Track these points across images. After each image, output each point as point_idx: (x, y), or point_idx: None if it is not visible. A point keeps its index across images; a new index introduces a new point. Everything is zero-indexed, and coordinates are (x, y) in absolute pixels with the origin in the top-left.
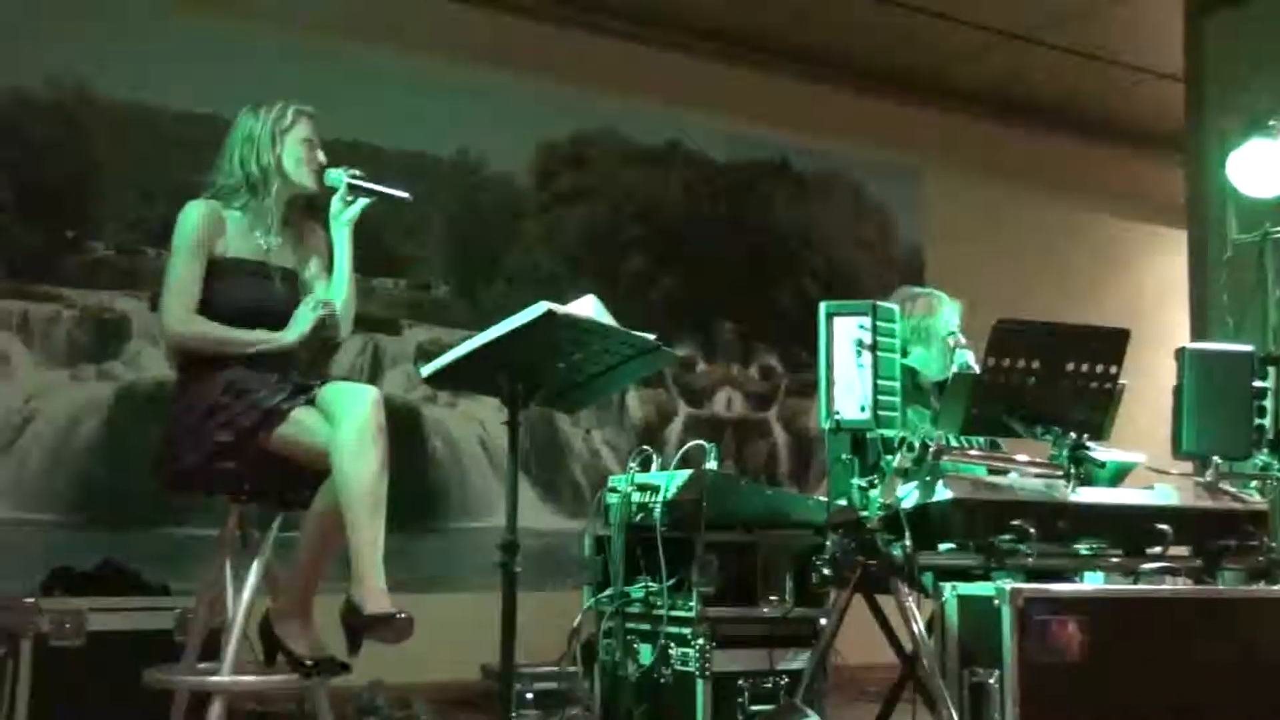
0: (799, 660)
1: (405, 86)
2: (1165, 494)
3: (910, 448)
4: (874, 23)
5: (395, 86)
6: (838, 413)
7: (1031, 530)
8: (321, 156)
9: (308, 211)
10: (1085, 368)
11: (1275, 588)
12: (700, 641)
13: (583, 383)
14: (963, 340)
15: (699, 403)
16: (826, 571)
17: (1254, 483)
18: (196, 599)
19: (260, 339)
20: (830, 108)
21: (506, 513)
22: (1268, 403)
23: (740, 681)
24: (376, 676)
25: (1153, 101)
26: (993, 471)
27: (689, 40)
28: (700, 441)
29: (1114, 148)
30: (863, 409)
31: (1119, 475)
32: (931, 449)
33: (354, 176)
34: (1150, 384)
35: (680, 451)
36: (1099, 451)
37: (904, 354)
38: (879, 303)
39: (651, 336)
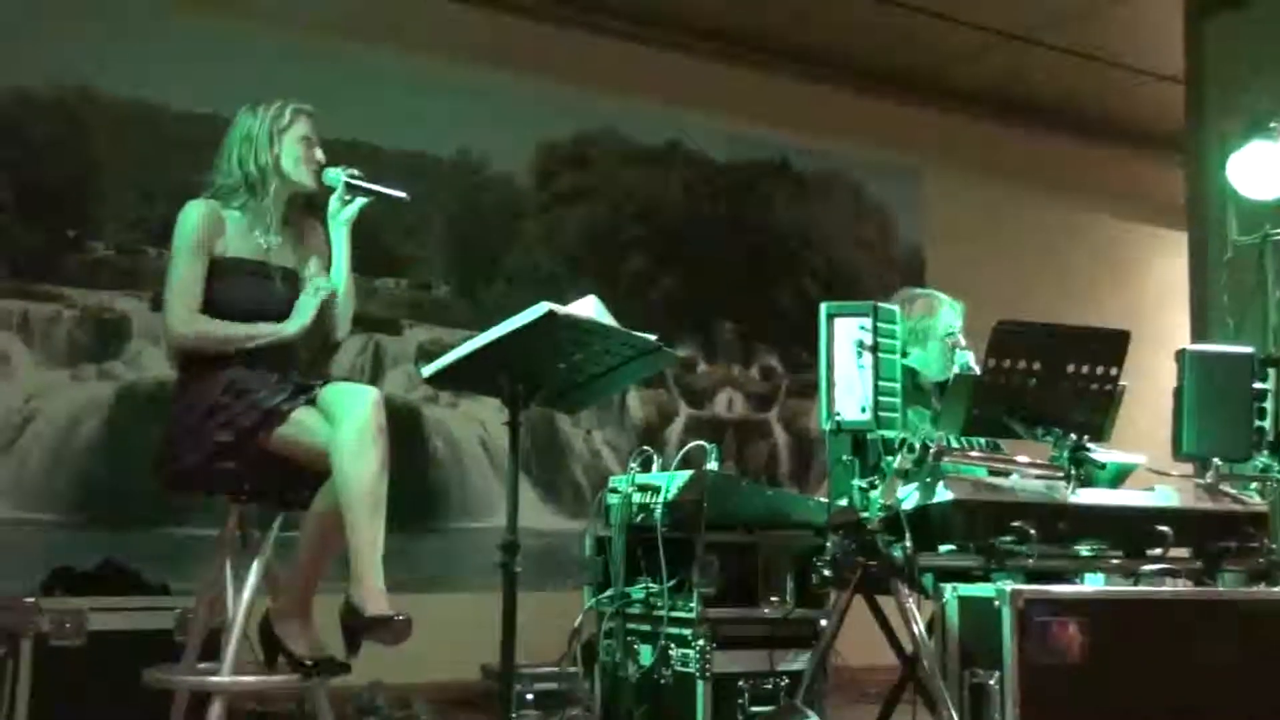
0: (799, 661)
1: (405, 86)
2: (1165, 495)
3: (911, 449)
4: (874, 23)
5: (395, 86)
6: (838, 414)
7: (1032, 532)
8: (320, 155)
9: (308, 210)
10: (1086, 369)
11: (1275, 589)
12: (701, 642)
13: (583, 383)
14: (963, 341)
15: (700, 403)
16: (827, 572)
17: (1254, 484)
18: (196, 599)
19: (265, 330)
20: (830, 108)
21: (507, 513)
22: (1268, 404)
23: (741, 682)
24: (376, 677)
25: (1153, 102)
26: (993, 473)
27: (689, 40)
28: (701, 442)
29: (1114, 148)
30: (863, 410)
31: (1119, 477)
32: (932, 450)
33: (352, 176)
34: (1150, 385)
35: (681, 452)
36: (1099, 453)
37: (903, 355)
38: (880, 304)
39: (652, 337)
